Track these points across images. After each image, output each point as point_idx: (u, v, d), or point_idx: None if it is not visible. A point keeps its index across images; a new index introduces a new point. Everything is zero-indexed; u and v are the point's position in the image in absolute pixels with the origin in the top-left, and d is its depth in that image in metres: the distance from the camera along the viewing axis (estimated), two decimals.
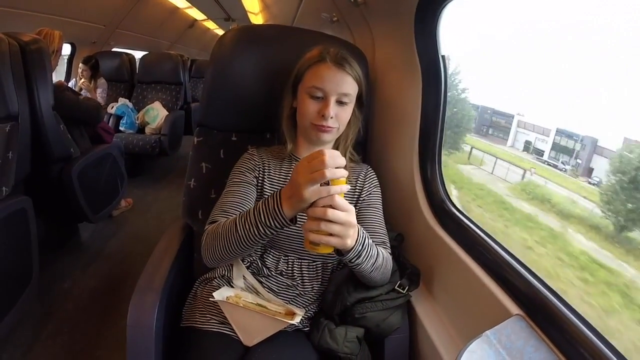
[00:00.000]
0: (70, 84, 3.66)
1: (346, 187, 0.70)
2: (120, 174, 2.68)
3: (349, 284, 0.98)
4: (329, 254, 0.78)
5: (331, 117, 0.94)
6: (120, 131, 3.68)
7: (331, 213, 0.69)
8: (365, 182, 1.08)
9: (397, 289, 1.00)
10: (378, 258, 0.89)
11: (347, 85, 0.95)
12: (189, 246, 1.19)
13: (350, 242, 0.75)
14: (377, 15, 1.38)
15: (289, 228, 0.96)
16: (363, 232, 0.83)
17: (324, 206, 0.70)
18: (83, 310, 1.89)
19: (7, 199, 1.51)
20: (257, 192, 1.03)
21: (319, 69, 0.95)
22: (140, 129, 3.83)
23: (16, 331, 1.66)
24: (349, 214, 0.72)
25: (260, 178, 1.04)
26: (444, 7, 1.05)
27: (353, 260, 0.83)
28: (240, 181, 1.01)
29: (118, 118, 3.70)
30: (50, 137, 1.92)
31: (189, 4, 5.49)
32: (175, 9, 5.49)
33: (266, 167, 1.05)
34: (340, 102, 0.95)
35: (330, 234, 0.71)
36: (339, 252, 0.81)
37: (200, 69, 5.90)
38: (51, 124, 1.91)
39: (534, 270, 0.85)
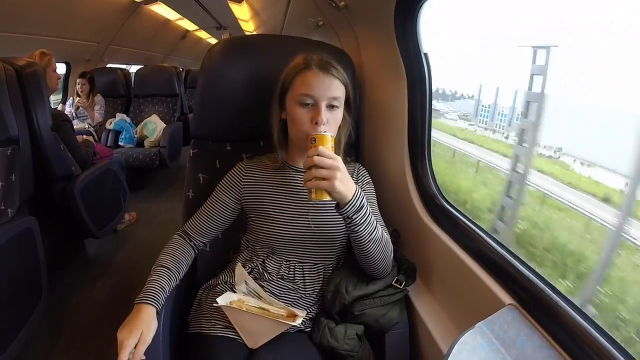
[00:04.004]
0: (67, 103, 3.70)
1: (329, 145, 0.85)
2: (122, 188, 2.71)
3: (348, 282, 1.01)
4: (329, 201, 0.87)
5: (324, 124, 0.94)
6: (120, 146, 3.71)
7: (317, 158, 0.81)
8: (358, 179, 1.11)
9: (395, 284, 1.03)
10: (377, 231, 0.92)
11: (336, 88, 0.96)
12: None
13: (338, 184, 0.81)
14: (360, 18, 1.41)
15: (289, 234, 1.00)
16: (361, 192, 0.87)
17: (312, 156, 0.82)
18: (93, 324, 1.92)
19: (14, 220, 1.54)
20: (238, 205, 1.10)
21: (305, 76, 0.95)
22: (139, 143, 3.86)
23: (28, 349, 1.67)
24: (333, 160, 0.82)
25: (241, 194, 1.08)
26: (421, 6, 1.07)
27: (351, 216, 0.86)
28: (217, 200, 1.09)
29: (117, 133, 3.73)
30: (51, 157, 1.95)
31: (180, 16, 5.54)
32: (167, 22, 5.53)
33: (251, 181, 1.08)
34: (330, 106, 0.96)
35: (322, 179, 0.81)
36: (338, 205, 0.87)
37: (195, 79, 5.93)
38: (51, 144, 1.94)
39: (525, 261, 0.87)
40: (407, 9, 1.08)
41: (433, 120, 1.17)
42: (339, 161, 0.83)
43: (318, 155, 0.82)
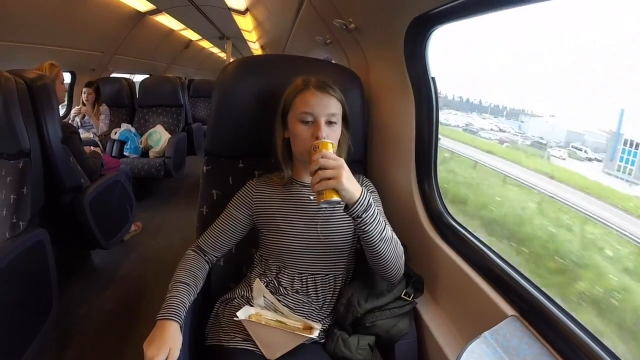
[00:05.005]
0: (72, 112, 3.74)
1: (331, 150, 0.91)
2: (129, 199, 2.75)
3: (360, 296, 1.07)
4: (337, 206, 0.92)
5: (324, 138, 1.01)
6: (125, 156, 3.74)
7: (322, 160, 0.88)
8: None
9: (404, 297, 1.08)
10: (386, 231, 0.96)
11: (333, 106, 1.04)
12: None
13: (345, 182, 0.86)
14: (369, 40, 1.47)
15: (299, 246, 1.05)
16: (367, 193, 0.92)
17: (317, 160, 0.88)
18: (102, 334, 1.93)
19: (25, 232, 1.58)
20: (250, 221, 1.15)
21: (304, 96, 1.04)
22: (144, 153, 3.89)
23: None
24: (337, 161, 0.88)
25: (252, 210, 1.13)
26: (432, 32, 1.13)
27: (361, 215, 0.91)
28: (229, 216, 1.15)
29: (122, 143, 3.76)
30: (62, 169, 1.98)
31: (184, 26, 5.61)
32: (171, 32, 5.60)
33: (261, 197, 1.13)
34: (329, 122, 1.04)
35: (329, 179, 0.86)
36: (347, 207, 0.91)
37: (198, 89, 5.99)
38: (61, 157, 1.97)
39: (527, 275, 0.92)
40: (418, 35, 1.15)
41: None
42: (342, 162, 0.89)
43: (322, 157, 0.88)
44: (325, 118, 1.03)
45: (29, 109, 1.75)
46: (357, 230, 0.95)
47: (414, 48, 1.19)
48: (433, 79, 1.20)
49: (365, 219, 0.91)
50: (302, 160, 1.09)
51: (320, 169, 0.87)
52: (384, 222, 0.97)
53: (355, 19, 1.41)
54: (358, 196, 0.89)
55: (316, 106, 1.02)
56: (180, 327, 0.95)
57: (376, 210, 0.94)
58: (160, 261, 2.62)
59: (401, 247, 1.03)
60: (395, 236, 1.01)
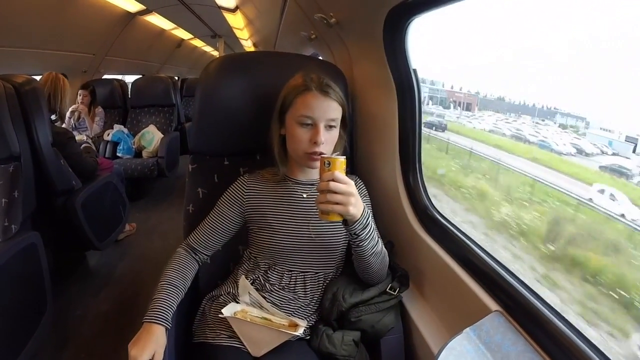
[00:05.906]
0: (67, 113, 3.70)
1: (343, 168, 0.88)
2: (122, 200, 2.75)
3: (345, 290, 1.06)
4: (338, 222, 0.90)
5: (322, 143, 1.00)
6: (118, 157, 3.73)
7: (333, 184, 0.84)
8: None
9: (389, 291, 1.08)
10: (378, 245, 0.98)
11: (334, 110, 1.02)
12: None
13: (352, 209, 0.86)
14: (351, 34, 1.45)
15: (291, 245, 1.06)
16: (368, 212, 0.93)
17: (328, 180, 0.85)
18: (98, 335, 1.94)
19: (17, 235, 1.58)
20: (241, 218, 1.14)
21: (305, 98, 1.01)
22: (137, 154, 3.88)
23: None
24: (348, 185, 0.86)
25: (244, 207, 1.12)
26: (409, 24, 1.12)
27: (358, 233, 0.92)
28: (220, 214, 1.13)
29: (114, 144, 3.75)
30: (52, 172, 1.98)
31: (175, 25, 5.58)
32: (162, 31, 5.57)
33: (253, 194, 1.12)
34: (328, 127, 1.02)
35: (336, 203, 0.85)
36: (346, 222, 0.91)
37: (191, 88, 5.96)
38: (52, 159, 1.97)
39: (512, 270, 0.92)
40: (396, 27, 1.13)
41: None
42: (352, 187, 0.87)
43: (333, 180, 0.85)
44: (324, 123, 1.01)
45: (18, 113, 1.75)
46: (351, 243, 0.97)
47: (393, 40, 1.17)
48: (414, 70, 1.19)
49: (361, 236, 0.93)
50: (297, 160, 1.08)
51: (329, 190, 0.85)
52: (377, 237, 0.98)
53: (335, 13, 1.39)
54: (359, 216, 0.90)
55: (316, 110, 1.00)
56: (167, 330, 0.95)
57: (372, 226, 0.95)
58: (155, 262, 2.60)
59: (387, 258, 1.05)
60: (384, 249, 1.03)
